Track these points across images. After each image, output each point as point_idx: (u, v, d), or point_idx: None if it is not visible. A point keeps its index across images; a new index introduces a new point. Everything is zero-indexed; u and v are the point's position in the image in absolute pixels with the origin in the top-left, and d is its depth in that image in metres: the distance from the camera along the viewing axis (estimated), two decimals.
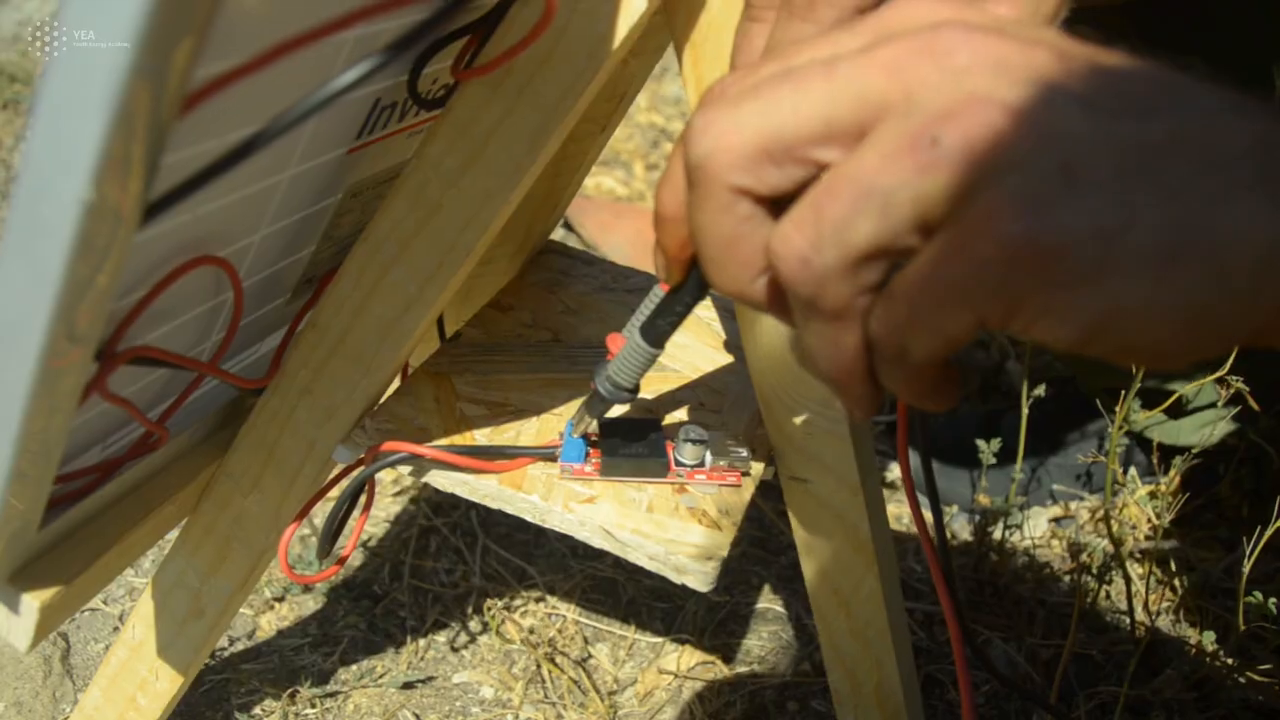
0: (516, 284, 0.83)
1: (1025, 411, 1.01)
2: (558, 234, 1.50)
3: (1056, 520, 1.23)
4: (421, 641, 0.97)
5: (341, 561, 0.68)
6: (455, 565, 1.04)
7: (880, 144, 0.34)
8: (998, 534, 1.09)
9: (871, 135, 0.34)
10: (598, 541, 0.61)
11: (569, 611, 0.99)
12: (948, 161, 0.32)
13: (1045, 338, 0.33)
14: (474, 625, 0.97)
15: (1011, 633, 1.03)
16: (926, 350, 0.35)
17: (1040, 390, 0.99)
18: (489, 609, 0.98)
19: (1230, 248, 0.31)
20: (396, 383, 0.69)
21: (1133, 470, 1.24)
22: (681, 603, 1.00)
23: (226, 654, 0.95)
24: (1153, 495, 1.15)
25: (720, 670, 0.94)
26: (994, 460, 1.01)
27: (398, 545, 1.06)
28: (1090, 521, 1.22)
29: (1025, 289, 0.32)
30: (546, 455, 0.63)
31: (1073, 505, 1.24)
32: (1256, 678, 1.01)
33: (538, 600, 1.01)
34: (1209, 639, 0.94)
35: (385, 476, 1.15)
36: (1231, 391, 0.95)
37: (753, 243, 0.38)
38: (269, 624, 0.98)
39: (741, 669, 0.95)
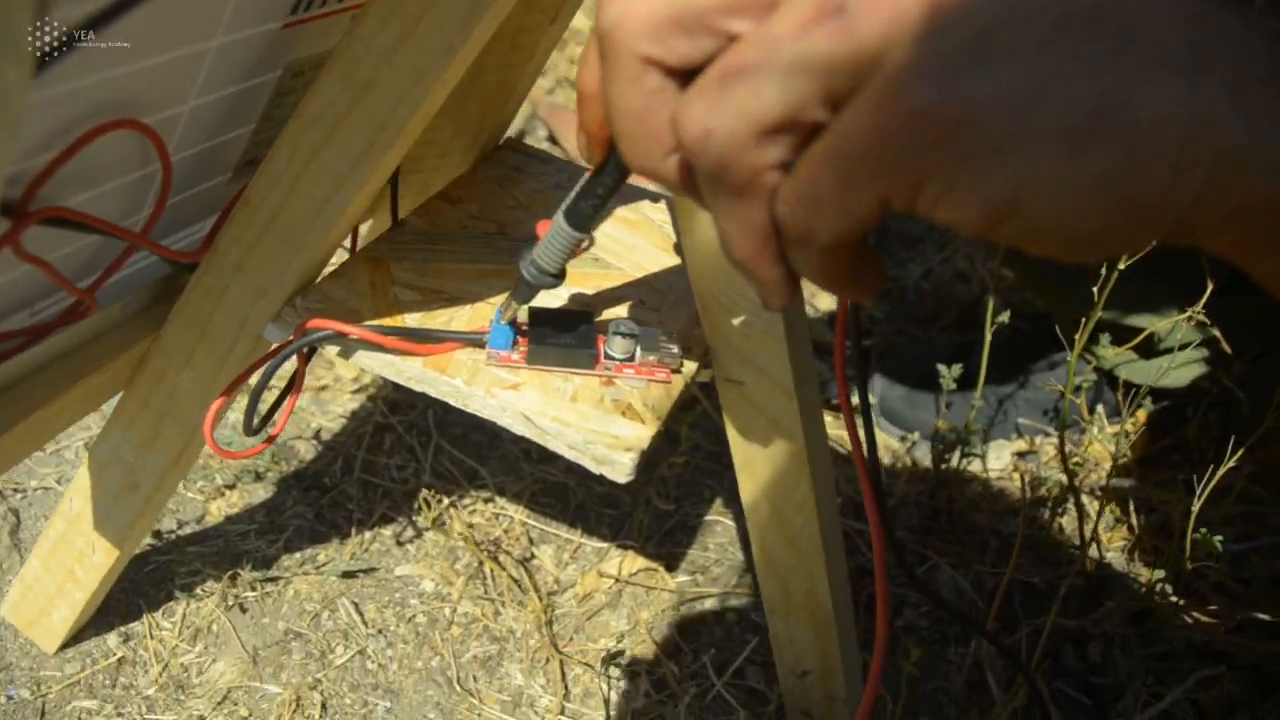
0: (469, 178, 0.83)
1: (988, 338, 1.01)
2: (543, 149, 1.50)
3: (1021, 455, 1.24)
4: (367, 534, 0.98)
5: (270, 440, 0.69)
6: (407, 462, 1.05)
7: (789, 12, 0.33)
8: (955, 461, 1.10)
9: (782, 4, 0.33)
10: (519, 428, 0.62)
11: (517, 513, 1.01)
12: (855, 28, 0.31)
13: (952, 218, 0.32)
14: (421, 521, 0.99)
15: (961, 560, 1.05)
16: (833, 231, 0.35)
17: (1005, 317, 0.99)
18: (436, 506, 0.99)
19: (1147, 130, 0.30)
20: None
21: (1100, 409, 1.24)
22: (630, 510, 1.02)
23: (174, 537, 0.97)
24: (1119, 435, 1.16)
25: (662, 578, 0.96)
26: (954, 386, 1.01)
27: (352, 440, 1.07)
28: (1055, 458, 1.23)
29: (930, 163, 0.31)
30: (473, 341, 0.63)
31: (1038, 440, 1.24)
32: (1203, 618, 1.02)
33: (486, 500, 1.02)
34: (1158, 576, 0.95)
35: (346, 374, 1.16)
36: (1191, 320, 0.94)
37: (662, 116, 0.38)
38: (218, 510, 1.00)
39: (684, 578, 0.96)
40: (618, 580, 0.95)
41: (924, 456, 1.20)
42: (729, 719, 0.85)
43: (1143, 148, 0.30)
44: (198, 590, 0.92)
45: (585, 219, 0.53)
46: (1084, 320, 0.95)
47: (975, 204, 0.32)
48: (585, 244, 0.55)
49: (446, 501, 1.00)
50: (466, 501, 1.02)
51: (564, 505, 1.03)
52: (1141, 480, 1.19)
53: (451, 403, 0.63)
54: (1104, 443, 1.18)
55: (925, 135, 0.31)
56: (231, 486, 1.02)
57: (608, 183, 0.52)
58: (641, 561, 0.96)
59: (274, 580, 0.93)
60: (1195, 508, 0.96)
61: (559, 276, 0.58)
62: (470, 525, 0.99)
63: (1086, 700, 0.95)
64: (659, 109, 0.38)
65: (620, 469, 0.60)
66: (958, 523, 1.08)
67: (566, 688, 0.86)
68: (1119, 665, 0.96)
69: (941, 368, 1.02)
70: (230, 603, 0.91)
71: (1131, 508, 1.12)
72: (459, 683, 0.86)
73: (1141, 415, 1.19)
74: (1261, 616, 1.00)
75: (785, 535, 0.74)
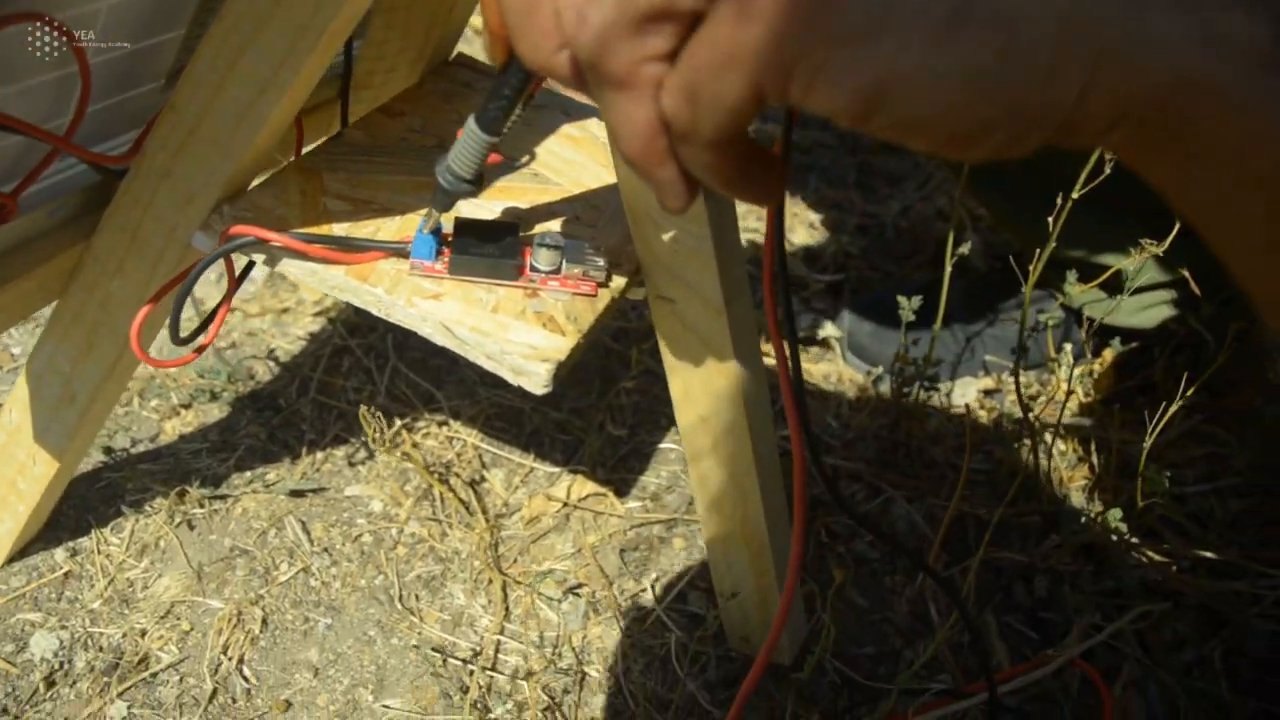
0: (414, 92, 0.82)
1: (948, 270, 1.01)
2: None
3: (988, 392, 1.24)
4: (319, 454, 0.98)
5: (200, 350, 0.69)
6: (364, 385, 1.06)
7: None
8: (915, 395, 1.10)
9: None
10: (438, 338, 0.62)
11: (470, 437, 1.01)
12: None
13: (824, 107, 0.32)
14: (373, 443, 0.99)
15: (917, 494, 1.05)
16: (713, 124, 0.34)
17: (965, 249, 0.99)
18: (390, 428, 0.99)
19: (1022, 22, 0.29)
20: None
21: (1067, 347, 1.24)
22: (584, 436, 1.02)
23: (127, 455, 0.97)
24: (1085, 374, 1.15)
25: (611, 503, 0.96)
26: (913, 318, 1.01)
27: (309, 362, 1.08)
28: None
29: (799, 48, 0.31)
30: (397, 250, 0.63)
31: (1005, 378, 1.24)
32: (1156, 557, 1.02)
33: (441, 424, 1.02)
34: (1115, 516, 0.95)
35: (308, 297, 1.16)
36: (1155, 258, 0.94)
37: (548, 9, 0.38)
38: (172, 429, 1.00)
39: (634, 503, 0.97)
40: (566, 505, 0.95)
41: (889, 391, 1.20)
42: (664, 640, 0.86)
43: (1017, 40, 0.30)
44: (146, 507, 0.92)
45: (494, 121, 0.53)
46: (1039, 252, 0.94)
47: (845, 93, 0.32)
48: (525, 160, 0.55)
49: (399, 424, 1.01)
50: (421, 424, 1.02)
51: (518, 430, 1.03)
52: (1106, 420, 1.18)
53: (374, 312, 0.63)
54: (1068, 381, 1.18)
55: (796, 20, 0.31)
56: (187, 406, 1.02)
57: (512, 83, 0.51)
58: (591, 486, 0.96)
59: (222, 498, 0.93)
60: (1147, 444, 0.96)
61: (475, 183, 0.57)
62: (423, 448, 1.00)
63: (1033, 635, 0.95)
64: (546, 2, 0.38)
65: (536, 380, 0.60)
66: (916, 457, 1.08)
67: (508, 608, 0.87)
68: (1066, 600, 0.97)
69: (901, 299, 1.01)
70: (178, 519, 0.92)
71: (1093, 447, 1.12)
72: (401, 601, 0.87)
73: (1109, 355, 1.19)
74: (1210, 555, 1.00)
75: (720, 458, 0.74)
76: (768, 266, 0.66)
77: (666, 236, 0.64)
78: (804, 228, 1.45)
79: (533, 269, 0.64)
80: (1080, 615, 0.95)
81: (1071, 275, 1.00)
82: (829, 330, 1.24)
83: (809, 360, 1.22)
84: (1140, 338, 1.15)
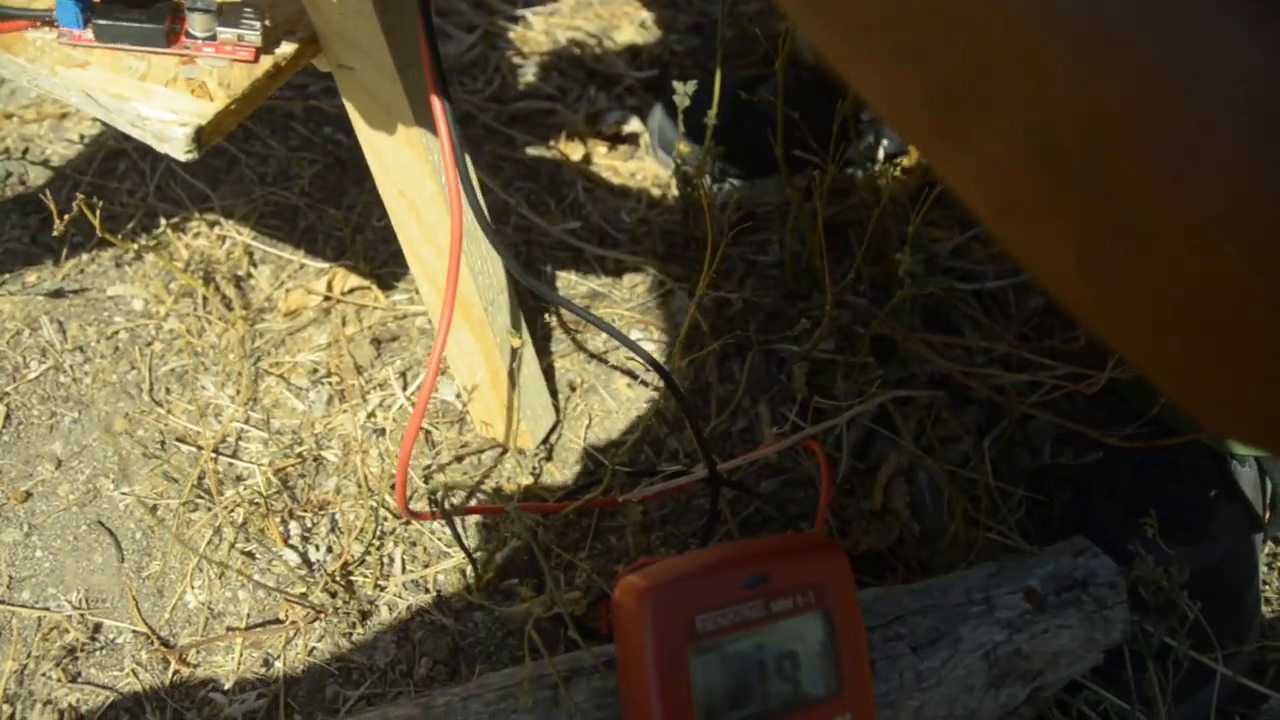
0: None
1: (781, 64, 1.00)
2: None
3: (807, 192, 1.25)
4: (85, 256, 0.99)
5: None
6: (137, 187, 1.05)
7: None
8: (705, 190, 1.11)
9: None
10: (88, 107, 0.62)
11: (242, 235, 1.01)
12: None
13: None
14: (142, 243, 0.99)
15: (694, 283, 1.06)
16: None
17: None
18: (159, 227, 0.99)
19: None
20: None
21: (885, 142, 1.25)
22: (361, 232, 1.02)
23: None
24: (897, 164, 1.16)
25: (375, 296, 0.97)
26: (688, 102, 1.01)
27: (82, 165, 1.07)
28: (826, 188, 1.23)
29: None
30: (42, 18, 0.62)
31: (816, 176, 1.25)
32: (932, 341, 1.05)
33: (213, 224, 1.02)
34: (905, 263, 0.95)
35: None
36: None
37: None
38: None
39: (399, 296, 0.98)
40: (329, 298, 0.96)
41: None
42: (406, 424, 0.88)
43: None
44: None
45: None
46: None
47: None
48: None
49: (166, 223, 1.01)
50: (192, 225, 1.02)
51: (292, 228, 1.03)
52: (911, 216, 1.20)
53: (22, 83, 0.62)
54: (884, 174, 1.19)
55: None
56: None
57: None
58: (356, 280, 0.97)
59: None
60: (911, 227, 0.97)
61: None
62: (192, 247, 1.00)
63: (802, 424, 0.98)
64: None
65: (177, 145, 0.60)
66: (702, 248, 1.10)
67: (256, 398, 0.89)
68: (848, 393, 1.00)
69: (676, 84, 1.01)
70: None
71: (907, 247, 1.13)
72: (150, 394, 0.89)
73: (916, 151, 1.20)
74: (988, 346, 1.03)
75: (424, 233, 0.75)
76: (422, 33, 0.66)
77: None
78: (633, 26, 1.43)
79: (188, 35, 0.63)
80: (847, 399, 0.97)
81: None
82: (635, 126, 1.24)
83: (618, 157, 1.22)
84: None
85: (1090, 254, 0.26)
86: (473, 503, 0.86)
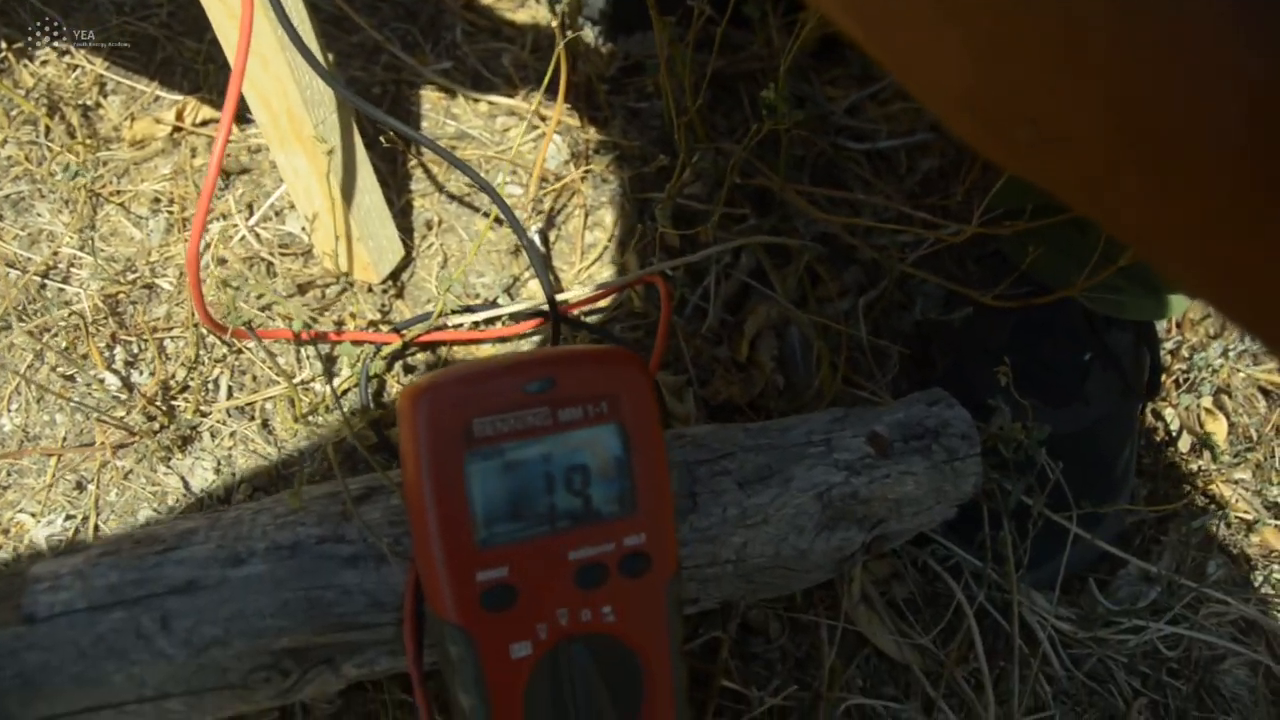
0: None
1: None
2: None
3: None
4: None
5: None
6: None
7: None
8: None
9: None
10: None
11: (95, 65, 0.98)
12: None
13: None
14: None
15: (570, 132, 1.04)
16: None
17: None
18: (2, 56, 0.96)
19: None
20: None
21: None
22: (219, 64, 0.98)
23: None
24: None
25: None
26: None
27: None
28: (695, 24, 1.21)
29: None
30: None
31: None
32: (819, 206, 1.03)
33: (62, 53, 0.98)
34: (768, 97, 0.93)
35: None
36: None
37: None
38: None
39: (254, 130, 0.95)
40: (179, 129, 0.93)
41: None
42: (253, 251, 0.86)
43: None
44: None
45: None
46: None
47: None
48: None
49: (8, 48, 0.97)
50: (41, 54, 0.98)
51: (149, 59, 0.99)
52: (812, 77, 1.17)
53: None
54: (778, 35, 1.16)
55: None
56: None
57: None
58: (209, 112, 0.94)
59: None
60: (784, 63, 0.94)
61: None
62: (38, 75, 0.96)
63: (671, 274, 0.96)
64: None
65: None
66: (582, 97, 1.07)
67: (93, 225, 0.86)
68: (713, 239, 0.98)
69: None
70: None
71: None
72: None
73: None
74: (872, 199, 1.01)
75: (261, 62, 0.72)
76: None
77: None
78: None
79: None
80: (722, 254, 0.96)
81: None
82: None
83: (507, 2, 1.18)
84: None
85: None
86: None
